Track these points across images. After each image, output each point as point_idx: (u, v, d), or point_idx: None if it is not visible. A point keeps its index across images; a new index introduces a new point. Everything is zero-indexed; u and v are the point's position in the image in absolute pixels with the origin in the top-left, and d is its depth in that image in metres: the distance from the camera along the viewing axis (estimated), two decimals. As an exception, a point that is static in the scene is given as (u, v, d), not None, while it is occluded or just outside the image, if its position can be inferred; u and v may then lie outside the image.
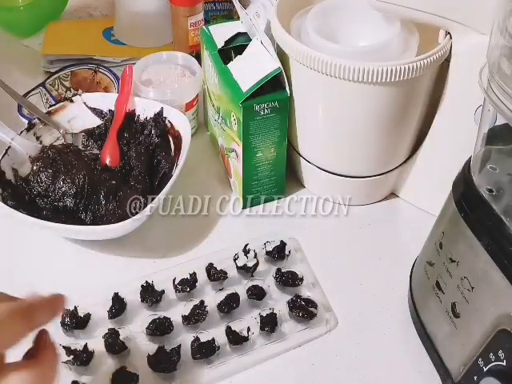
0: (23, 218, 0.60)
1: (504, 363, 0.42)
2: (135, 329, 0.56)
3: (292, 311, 0.56)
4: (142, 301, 0.58)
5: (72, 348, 0.53)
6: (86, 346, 0.53)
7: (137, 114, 0.73)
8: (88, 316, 0.56)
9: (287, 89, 0.63)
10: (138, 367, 0.53)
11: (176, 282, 0.59)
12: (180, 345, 0.53)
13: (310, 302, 0.57)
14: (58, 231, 0.64)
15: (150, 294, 0.58)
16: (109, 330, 0.55)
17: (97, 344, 0.54)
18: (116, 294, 0.57)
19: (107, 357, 0.54)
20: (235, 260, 0.61)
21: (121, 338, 0.54)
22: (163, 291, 0.58)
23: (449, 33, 0.58)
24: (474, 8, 0.54)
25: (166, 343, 0.54)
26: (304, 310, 0.56)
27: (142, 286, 0.58)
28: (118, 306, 0.57)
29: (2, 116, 0.70)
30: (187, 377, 0.53)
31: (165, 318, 0.56)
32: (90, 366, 0.53)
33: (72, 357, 0.52)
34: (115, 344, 0.53)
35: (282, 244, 0.63)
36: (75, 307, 0.56)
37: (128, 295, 0.58)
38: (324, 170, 0.68)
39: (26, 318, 0.37)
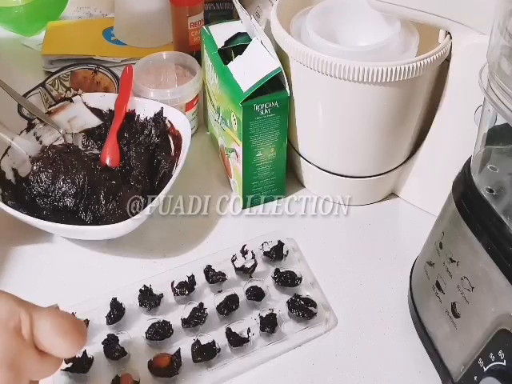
0: (23, 217, 0.60)
1: (504, 363, 0.42)
2: (134, 334, 0.55)
3: (292, 311, 0.56)
4: (141, 305, 0.57)
5: (71, 355, 0.53)
6: (85, 352, 0.53)
7: (137, 113, 0.73)
8: (86, 322, 0.56)
9: (287, 89, 0.63)
10: (139, 372, 0.52)
11: (174, 285, 0.58)
12: (180, 348, 0.53)
13: (310, 302, 0.57)
14: (58, 231, 0.64)
15: (149, 298, 0.57)
16: (108, 335, 0.54)
17: (96, 350, 0.53)
18: (114, 299, 0.57)
19: (107, 363, 0.53)
20: (233, 261, 0.61)
21: (120, 343, 0.54)
22: (162, 295, 0.58)
23: (449, 33, 0.58)
24: (474, 8, 0.54)
25: (166, 347, 0.54)
26: (303, 309, 0.56)
27: (141, 290, 0.58)
28: (117, 311, 0.56)
29: (1, 116, 0.70)
30: (188, 381, 0.52)
31: (164, 321, 0.55)
32: (90, 372, 0.52)
33: (71, 364, 0.52)
34: (115, 350, 0.53)
35: (280, 244, 0.63)
36: (73, 313, 0.55)
37: (126, 300, 0.57)
38: (324, 170, 0.68)
39: None
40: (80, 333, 0.40)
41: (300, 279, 0.60)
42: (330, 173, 0.68)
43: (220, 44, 0.69)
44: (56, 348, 0.39)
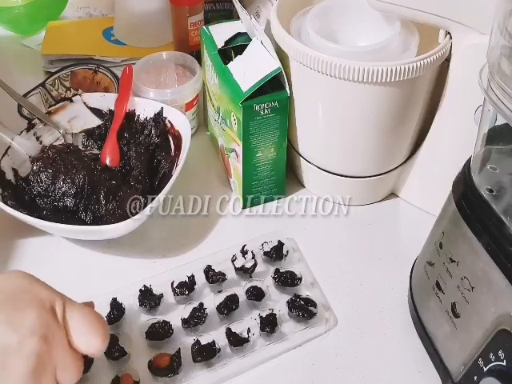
0: (23, 217, 0.60)
1: (504, 363, 0.42)
2: (134, 334, 0.56)
3: (292, 311, 0.56)
4: (141, 305, 0.57)
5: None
6: None
7: (137, 113, 0.73)
8: None
9: (287, 89, 0.63)
10: (139, 372, 0.52)
11: (174, 285, 0.58)
12: (180, 348, 0.53)
13: (309, 302, 0.57)
14: (58, 231, 0.64)
15: (149, 298, 0.57)
16: None
17: None
18: (114, 299, 0.57)
19: (107, 363, 0.53)
20: (233, 261, 0.61)
21: (120, 343, 0.54)
22: (162, 295, 0.58)
23: (449, 33, 0.58)
24: (474, 8, 0.54)
25: (166, 347, 0.54)
26: (303, 309, 0.56)
27: (141, 290, 0.58)
28: (117, 311, 0.56)
29: (1, 116, 0.70)
30: (188, 381, 0.52)
31: (164, 321, 0.55)
32: (90, 372, 0.52)
33: None
34: (115, 350, 0.53)
35: (280, 244, 0.63)
36: None
37: (126, 300, 0.57)
38: (324, 170, 0.68)
39: None
40: (105, 329, 0.42)
41: (300, 279, 0.60)
42: (330, 173, 0.68)
43: (220, 44, 0.69)
44: (82, 338, 0.41)
